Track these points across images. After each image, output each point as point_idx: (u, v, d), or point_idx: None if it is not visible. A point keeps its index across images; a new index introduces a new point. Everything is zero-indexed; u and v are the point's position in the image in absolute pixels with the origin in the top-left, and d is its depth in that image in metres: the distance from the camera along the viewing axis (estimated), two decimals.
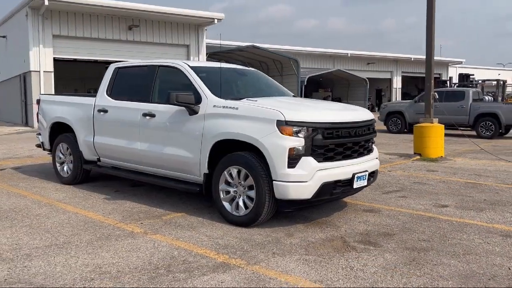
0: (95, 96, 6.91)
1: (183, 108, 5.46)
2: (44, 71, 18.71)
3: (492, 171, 8.89)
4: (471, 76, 22.81)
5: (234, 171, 5.03)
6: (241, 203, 5.01)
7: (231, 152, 5.15)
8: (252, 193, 4.88)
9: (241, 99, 5.42)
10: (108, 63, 23.90)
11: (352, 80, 33.96)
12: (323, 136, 4.79)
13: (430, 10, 10.68)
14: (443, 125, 10.78)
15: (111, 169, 6.79)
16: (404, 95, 41.36)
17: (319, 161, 4.76)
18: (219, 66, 6.15)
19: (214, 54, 25.05)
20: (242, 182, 4.98)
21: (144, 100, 6.04)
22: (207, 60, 23.21)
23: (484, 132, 15.99)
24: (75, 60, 23.85)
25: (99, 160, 6.86)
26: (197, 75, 5.66)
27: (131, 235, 4.72)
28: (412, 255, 4.17)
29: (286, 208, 4.89)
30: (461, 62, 45.77)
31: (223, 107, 5.17)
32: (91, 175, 7.43)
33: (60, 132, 7.48)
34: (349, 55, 35.44)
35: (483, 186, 7.37)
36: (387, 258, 4.08)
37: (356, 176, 5.04)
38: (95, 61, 20.93)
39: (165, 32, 21.23)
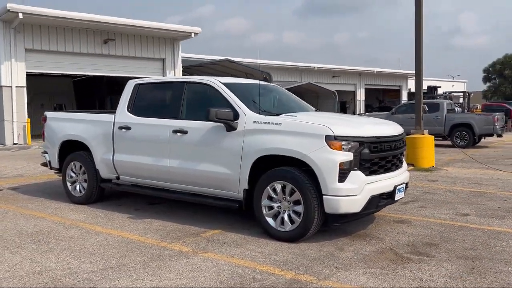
0: (112, 112, 6.77)
1: (219, 124, 5.44)
2: (16, 86, 18.01)
3: (488, 179, 9.30)
4: (438, 88, 23.76)
5: (278, 187, 5.05)
6: (286, 219, 5.03)
7: (271, 168, 5.18)
8: (299, 208, 4.91)
9: (278, 114, 5.48)
10: (83, 77, 23.30)
11: (321, 93, 34.57)
12: (370, 150, 4.91)
13: (418, 25, 11.13)
14: (433, 136, 11.21)
15: (132, 187, 6.65)
16: (367, 107, 42.58)
17: (366, 175, 4.86)
18: (248, 82, 6.19)
19: (186, 68, 24.96)
20: (288, 198, 5.01)
21: (172, 116, 5.98)
22: (183, 74, 23.09)
23: (459, 142, 16.69)
24: (42, 75, 23.23)
25: (118, 178, 6.69)
26: (231, 91, 5.67)
27: (182, 254, 4.64)
28: (468, 264, 4.32)
29: (335, 222, 4.96)
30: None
31: (265, 122, 5.20)
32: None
33: (71, 150, 7.26)
34: (315, 68, 36.13)
35: (489, 194, 7.70)
36: (448, 268, 4.20)
37: (397, 188, 5.19)
38: (68, 76, 20.39)
39: (140, 46, 20.97)
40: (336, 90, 35.27)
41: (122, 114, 6.52)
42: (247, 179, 5.27)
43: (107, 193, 7.41)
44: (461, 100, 22.56)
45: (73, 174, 7.18)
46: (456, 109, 19.73)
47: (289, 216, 5.02)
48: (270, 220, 5.13)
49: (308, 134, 4.88)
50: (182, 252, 4.70)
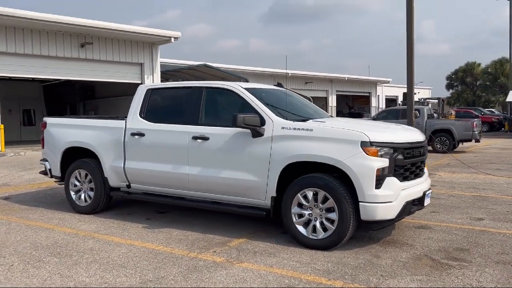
0: (122, 118, 6.53)
1: (244, 130, 5.32)
2: None
3: (482, 183, 9.51)
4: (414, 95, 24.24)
5: (309, 194, 4.97)
6: (318, 226, 4.95)
7: (297, 175, 5.09)
8: (332, 215, 4.84)
9: (304, 120, 5.41)
10: (54, 82, 22.55)
11: None
12: (404, 156, 4.90)
13: (410, 34, 11.33)
14: None
15: (143, 195, 6.43)
16: (338, 113, 43.16)
17: (400, 181, 4.85)
18: (268, 87, 6.09)
19: (162, 73, 24.57)
20: (320, 205, 4.93)
21: (191, 122, 5.81)
22: (161, 79, 22.71)
23: (439, 147, 17.09)
24: (10, 79, 22.32)
25: (128, 186, 6.45)
26: (255, 97, 5.56)
27: (218, 265, 4.48)
28: (509, 268, 4.35)
29: (369, 229, 4.92)
30: (388, 82, 48.61)
31: (295, 128, 5.11)
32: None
33: (74, 157, 6.96)
34: (289, 74, 36.35)
35: (491, 198, 7.87)
36: (492, 273, 4.22)
37: (426, 194, 5.20)
38: (38, 80, 19.64)
39: (118, 50, 20.48)
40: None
41: (135, 120, 6.29)
42: (275, 186, 5.17)
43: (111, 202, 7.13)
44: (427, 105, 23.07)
45: (77, 183, 6.86)
46: (435, 115, 20.20)
47: (321, 223, 4.95)
48: (300, 228, 5.04)
49: (343, 140, 4.82)
50: (217, 263, 4.54)
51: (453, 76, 67.88)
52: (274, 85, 7.01)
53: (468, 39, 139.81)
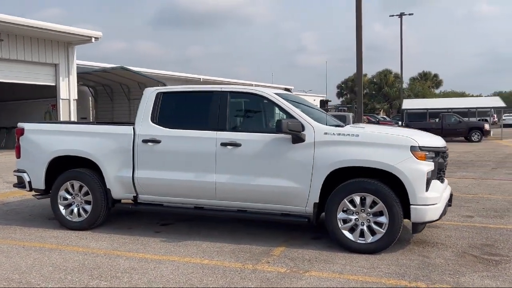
0: (127, 124, 6.00)
1: (282, 136, 5.22)
2: None
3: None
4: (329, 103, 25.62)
5: (357, 199, 5.03)
6: (366, 230, 5.02)
7: (340, 180, 5.13)
8: (382, 219, 4.95)
9: (341, 126, 5.46)
10: None
11: None
12: (443, 159, 5.19)
13: (359, 43, 11.98)
14: None
15: (153, 206, 5.99)
16: None
17: (441, 183, 5.13)
18: (288, 93, 6.02)
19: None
20: (368, 209, 5.01)
21: (218, 128, 5.53)
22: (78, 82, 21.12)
23: None
24: None
25: (135, 198, 5.93)
26: (288, 102, 5.48)
27: (288, 276, 4.33)
28: None
29: (416, 232, 5.09)
30: (290, 90, 50.58)
31: (339, 134, 5.14)
32: None
33: (60, 168, 6.21)
34: (201, 79, 36.15)
35: (457, 197, 8.61)
36: None
37: (452, 195, 5.55)
38: None
39: (31, 48, 18.59)
40: None
41: (146, 125, 5.81)
42: (319, 192, 5.14)
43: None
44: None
45: (68, 196, 6.13)
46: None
47: (368, 227, 5.03)
48: (347, 233, 5.07)
49: (393, 145, 4.96)
50: (285, 273, 4.39)
51: (343, 85, 72.95)
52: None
53: (345, 52, 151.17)
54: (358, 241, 5.03)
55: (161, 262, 4.74)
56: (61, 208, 6.15)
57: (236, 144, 5.40)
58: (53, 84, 19.78)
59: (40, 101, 21.40)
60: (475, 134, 26.47)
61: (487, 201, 8.11)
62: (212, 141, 5.49)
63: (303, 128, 5.21)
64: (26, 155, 6.34)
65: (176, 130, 5.70)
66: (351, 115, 19.03)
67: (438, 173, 5.17)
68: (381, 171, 4.98)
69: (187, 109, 5.94)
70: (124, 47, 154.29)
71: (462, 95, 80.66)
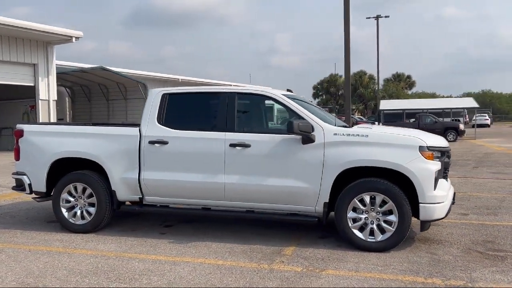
0: (132, 125, 5.95)
1: (292, 136, 5.29)
2: None
3: None
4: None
5: (366, 198, 5.13)
6: (376, 229, 5.12)
7: (349, 180, 5.23)
8: (391, 218, 5.06)
9: (348, 126, 5.56)
10: None
11: None
12: (448, 159, 5.34)
13: (347, 48, 12.16)
14: None
15: (159, 208, 5.97)
16: None
17: (446, 182, 5.28)
18: (293, 94, 6.09)
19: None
20: (378, 208, 5.11)
21: (226, 129, 5.54)
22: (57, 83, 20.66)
23: None
24: None
25: (140, 199, 5.89)
26: (297, 104, 5.55)
27: (306, 275, 4.39)
28: None
29: (424, 230, 5.22)
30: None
31: (348, 135, 5.23)
32: None
33: (62, 170, 6.12)
34: (180, 80, 35.91)
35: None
36: None
37: (455, 193, 5.71)
38: None
39: (8, 48, 18.14)
40: None
41: (152, 127, 5.77)
42: (329, 192, 5.22)
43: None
44: None
45: (71, 199, 6.03)
46: None
47: (378, 226, 5.13)
48: (357, 232, 5.16)
49: (402, 145, 5.08)
50: (303, 272, 4.45)
51: (318, 86, 73.52)
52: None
53: (320, 53, 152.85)
54: (368, 239, 5.13)
55: (176, 264, 4.73)
56: (64, 210, 6.05)
57: (245, 145, 5.43)
58: (32, 84, 19.32)
59: (18, 102, 20.88)
60: (451, 134, 27.16)
61: (477, 199, 8.36)
62: (220, 142, 5.50)
63: (312, 129, 5.28)
64: (26, 157, 6.21)
65: (183, 131, 5.68)
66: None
67: (444, 172, 5.33)
68: (388, 170, 5.09)
69: (194, 110, 5.93)
70: (96, 47, 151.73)
71: (433, 96, 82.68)
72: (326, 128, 5.31)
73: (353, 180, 5.23)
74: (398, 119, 31.53)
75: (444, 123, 28.83)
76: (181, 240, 5.63)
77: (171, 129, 5.72)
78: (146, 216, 6.87)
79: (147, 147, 5.73)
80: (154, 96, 5.93)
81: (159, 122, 5.79)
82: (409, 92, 75.31)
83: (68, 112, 28.42)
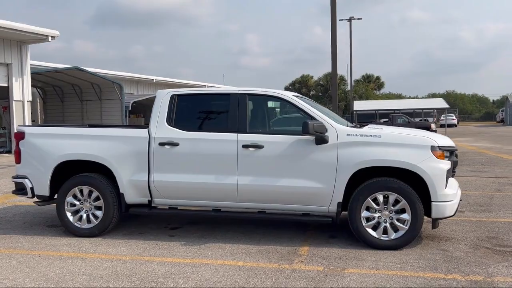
0: (140, 127, 5.86)
1: (305, 137, 5.34)
2: None
3: None
4: None
5: (380, 197, 5.23)
6: (389, 228, 5.23)
7: (361, 180, 5.32)
8: (404, 216, 5.18)
9: (360, 127, 5.65)
10: None
11: None
12: (456, 158, 5.50)
13: (334, 47, 12.33)
14: None
15: (169, 210, 5.93)
16: None
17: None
18: (300, 95, 6.13)
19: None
20: (391, 207, 5.22)
21: (238, 130, 5.54)
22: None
23: None
24: None
25: (149, 202, 5.82)
26: (308, 105, 5.60)
27: (332, 274, 4.45)
28: None
29: (435, 227, 5.36)
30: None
31: (361, 135, 5.31)
32: None
33: (66, 173, 5.98)
34: (154, 80, 35.52)
35: None
36: None
37: (460, 192, 5.89)
38: None
39: None
40: None
41: (162, 128, 5.71)
42: (343, 192, 5.29)
43: None
44: None
45: (76, 202, 5.90)
46: None
47: (391, 224, 5.24)
48: (370, 231, 5.26)
49: (414, 145, 5.20)
50: (325, 272, 4.51)
51: (290, 87, 74.05)
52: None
53: (287, 54, 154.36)
54: (382, 238, 5.23)
55: (197, 266, 4.70)
56: (69, 214, 5.90)
57: (258, 146, 5.44)
58: (5, 84, 18.71)
59: None
60: None
61: (468, 197, 8.62)
62: (233, 143, 5.49)
63: (326, 129, 5.34)
64: (28, 160, 6.03)
65: (194, 132, 5.65)
66: None
67: (452, 171, 5.49)
68: (400, 170, 5.21)
69: (204, 111, 5.90)
70: (61, 47, 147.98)
71: (399, 96, 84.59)
72: (339, 129, 5.38)
73: (364, 180, 5.32)
74: (371, 119, 32.18)
75: (417, 123, 29.57)
76: (192, 242, 5.60)
77: (181, 131, 5.67)
78: (149, 219, 6.78)
79: (157, 149, 5.66)
80: (163, 98, 5.87)
81: (168, 124, 5.74)
82: (378, 93, 76.88)
83: (39, 114, 27.65)
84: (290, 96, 5.67)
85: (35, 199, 6.16)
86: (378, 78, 75.03)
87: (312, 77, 72.76)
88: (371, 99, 57.17)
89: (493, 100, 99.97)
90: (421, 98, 69.68)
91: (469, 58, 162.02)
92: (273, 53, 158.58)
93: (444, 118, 39.80)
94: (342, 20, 42.20)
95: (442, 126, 36.84)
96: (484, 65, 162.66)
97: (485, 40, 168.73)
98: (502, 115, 56.63)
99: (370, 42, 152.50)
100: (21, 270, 4.61)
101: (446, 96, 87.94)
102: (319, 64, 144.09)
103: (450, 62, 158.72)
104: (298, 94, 6.15)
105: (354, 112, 32.44)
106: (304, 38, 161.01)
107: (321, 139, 5.31)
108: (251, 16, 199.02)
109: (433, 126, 29.03)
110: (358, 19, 42.20)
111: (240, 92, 5.74)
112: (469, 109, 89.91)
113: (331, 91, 65.75)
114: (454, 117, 53.29)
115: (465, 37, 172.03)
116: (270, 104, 6.33)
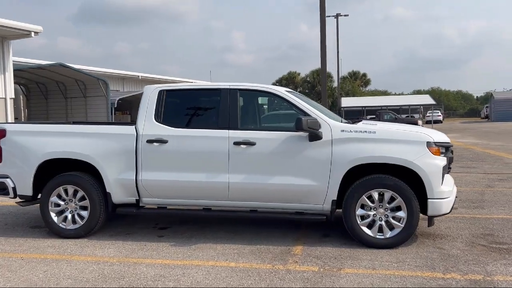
0: (127, 124, 5.65)
1: (298, 134, 5.19)
2: None
3: None
4: None
5: (375, 194, 5.10)
6: (385, 226, 5.11)
7: (356, 177, 5.19)
8: (400, 214, 5.06)
9: (354, 123, 5.52)
10: None
11: None
12: (452, 154, 5.40)
13: (323, 44, 12.20)
14: None
15: (157, 209, 5.73)
16: None
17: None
18: (293, 91, 5.97)
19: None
20: (386, 205, 5.10)
21: (229, 127, 5.36)
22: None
23: None
24: None
25: (137, 201, 5.62)
26: (302, 100, 5.45)
27: (327, 274, 4.31)
28: None
29: (431, 225, 5.25)
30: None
31: (356, 131, 5.18)
32: None
33: (49, 172, 5.75)
34: (140, 77, 35.07)
35: None
36: None
37: (456, 189, 5.79)
38: None
39: None
40: None
41: (150, 125, 5.51)
42: (337, 189, 5.15)
43: None
44: None
45: (60, 202, 5.67)
46: None
47: (386, 222, 5.12)
48: (365, 229, 5.13)
49: (409, 141, 5.08)
50: (321, 272, 4.37)
51: (277, 84, 73.98)
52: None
53: (272, 51, 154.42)
54: (377, 236, 5.11)
55: (187, 268, 4.53)
56: (53, 215, 5.67)
57: (250, 143, 5.27)
58: None
59: None
60: None
61: (459, 193, 8.48)
62: (224, 140, 5.32)
63: (319, 125, 5.19)
64: (10, 159, 5.77)
65: (184, 129, 5.46)
66: None
67: (448, 168, 5.39)
68: (396, 167, 5.08)
69: (194, 107, 5.71)
70: (44, 43, 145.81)
71: (385, 93, 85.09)
72: (333, 125, 5.24)
73: (359, 177, 5.19)
74: (359, 116, 32.23)
75: (404, 119, 29.69)
76: (182, 242, 5.41)
77: (170, 127, 5.48)
78: (137, 219, 6.58)
79: (144, 146, 5.46)
80: (150, 93, 5.67)
81: (157, 120, 5.54)
82: (364, 90, 77.19)
83: (23, 111, 27.10)
84: (283, 91, 5.51)
85: (18, 199, 5.92)
86: (364, 75, 75.36)
87: (299, 74, 72.76)
88: (357, 96, 57.38)
89: (477, 96, 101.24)
90: (406, 94, 70.15)
91: (452, 55, 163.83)
92: (258, 50, 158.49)
93: (430, 114, 40.04)
94: (329, 16, 42.06)
95: (428, 122, 37.04)
96: (468, 62, 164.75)
97: (468, 38, 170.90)
98: (486, 111, 57.19)
99: (356, 40, 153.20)
100: (2, 275, 4.38)
101: (431, 93, 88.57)
102: (304, 61, 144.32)
103: (434, 59, 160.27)
104: (291, 90, 5.99)
105: (342, 108, 32.42)
106: (289, 36, 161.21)
107: (314, 136, 5.16)
108: (236, 13, 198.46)
109: (420, 122, 29.15)
110: (345, 15, 42.22)
111: (231, 87, 5.56)
112: (454, 105, 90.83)
113: (319, 88, 66.01)
114: (440, 114, 53.65)
115: (449, 35, 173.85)
116: (259, 100, 6.18)
